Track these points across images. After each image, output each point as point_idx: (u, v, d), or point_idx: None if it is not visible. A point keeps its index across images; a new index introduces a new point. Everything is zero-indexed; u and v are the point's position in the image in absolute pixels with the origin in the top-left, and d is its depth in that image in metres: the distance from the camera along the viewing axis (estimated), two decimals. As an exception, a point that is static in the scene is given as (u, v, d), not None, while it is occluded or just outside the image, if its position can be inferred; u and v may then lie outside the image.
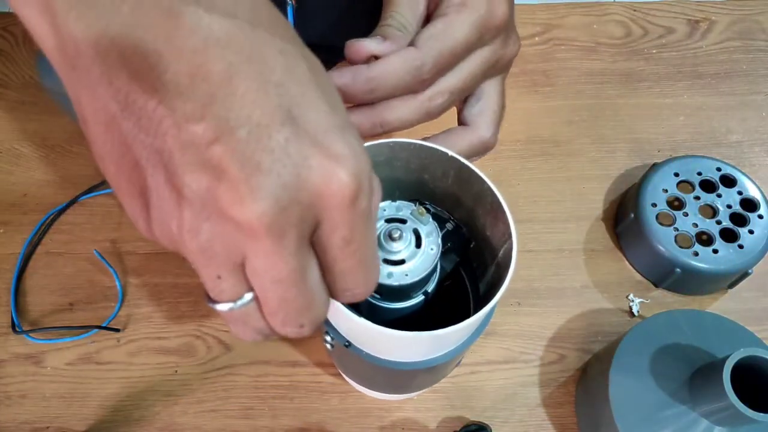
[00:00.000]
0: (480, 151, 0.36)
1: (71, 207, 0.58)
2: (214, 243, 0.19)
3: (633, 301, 0.54)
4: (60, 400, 0.50)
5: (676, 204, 0.54)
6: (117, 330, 0.52)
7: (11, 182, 0.59)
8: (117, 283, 0.54)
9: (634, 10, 0.71)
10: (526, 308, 0.54)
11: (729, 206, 0.54)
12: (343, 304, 0.28)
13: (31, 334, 0.51)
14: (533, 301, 0.54)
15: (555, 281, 0.55)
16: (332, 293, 0.23)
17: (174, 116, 0.18)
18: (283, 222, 0.19)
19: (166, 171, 0.18)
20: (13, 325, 0.52)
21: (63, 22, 0.17)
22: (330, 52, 0.32)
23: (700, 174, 0.55)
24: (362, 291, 0.23)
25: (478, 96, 0.36)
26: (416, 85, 0.31)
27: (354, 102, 0.31)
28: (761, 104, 0.66)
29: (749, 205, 0.54)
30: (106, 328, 0.52)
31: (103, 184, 0.59)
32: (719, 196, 0.54)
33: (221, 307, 0.22)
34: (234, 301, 0.21)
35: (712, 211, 0.54)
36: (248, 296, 0.22)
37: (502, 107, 0.37)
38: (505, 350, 0.52)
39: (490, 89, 0.36)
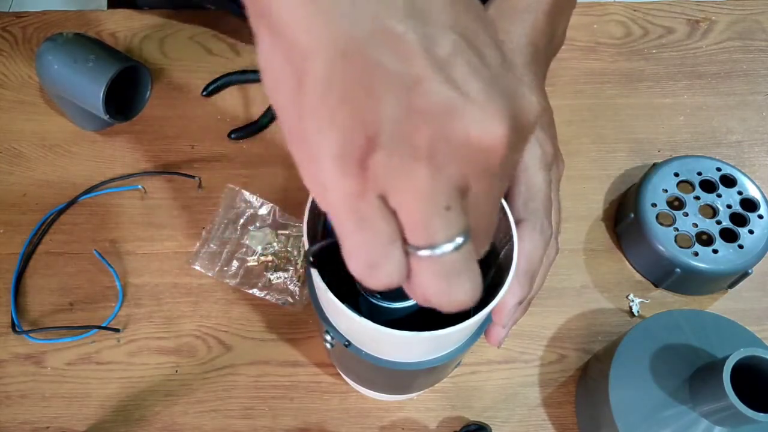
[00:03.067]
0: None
1: (71, 207, 0.58)
2: (449, 163, 0.19)
3: (633, 301, 0.54)
4: (60, 400, 0.50)
5: (676, 204, 0.54)
6: (117, 330, 0.52)
7: (11, 182, 0.59)
8: (117, 283, 0.54)
9: (634, 10, 0.71)
10: (526, 308, 0.54)
11: (729, 206, 0.54)
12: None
13: (31, 334, 0.51)
14: (533, 300, 0.54)
15: (555, 281, 0.55)
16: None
17: (422, 40, 0.18)
18: (516, 143, 0.19)
19: (409, 93, 0.18)
20: (13, 325, 0.52)
21: None
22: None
23: (700, 174, 0.55)
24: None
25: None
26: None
27: None
28: (761, 104, 0.66)
29: (749, 205, 0.54)
30: (106, 328, 0.52)
31: (103, 184, 0.59)
32: (719, 196, 0.54)
33: (436, 250, 0.20)
34: (451, 240, 0.20)
35: (712, 211, 0.54)
36: (465, 229, 0.20)
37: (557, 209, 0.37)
38: (505, 350, 0.52)
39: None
